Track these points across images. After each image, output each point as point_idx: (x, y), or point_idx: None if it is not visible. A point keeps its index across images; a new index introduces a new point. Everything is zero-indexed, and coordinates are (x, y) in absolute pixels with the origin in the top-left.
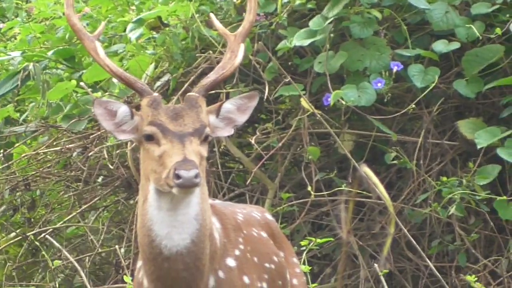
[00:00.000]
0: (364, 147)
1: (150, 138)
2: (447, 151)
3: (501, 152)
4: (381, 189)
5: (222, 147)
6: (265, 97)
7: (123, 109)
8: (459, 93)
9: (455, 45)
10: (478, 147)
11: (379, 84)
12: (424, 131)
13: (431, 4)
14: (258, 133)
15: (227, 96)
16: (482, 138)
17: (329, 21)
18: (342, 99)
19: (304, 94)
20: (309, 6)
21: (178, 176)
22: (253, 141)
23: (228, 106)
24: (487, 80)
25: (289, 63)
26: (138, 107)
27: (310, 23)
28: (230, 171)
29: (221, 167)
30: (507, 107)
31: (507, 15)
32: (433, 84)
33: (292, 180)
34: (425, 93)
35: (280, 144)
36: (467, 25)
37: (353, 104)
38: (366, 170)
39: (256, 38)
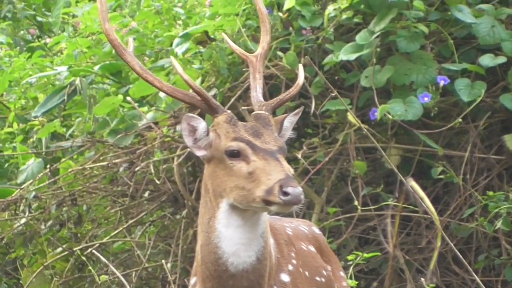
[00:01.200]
0: (410, 161)
1: (235, 154)
2: (494, 166)
3: None
4: (427, 203)
5: None
6: (311, 112)
7: (203, 125)
8: (506, 107)
9: (502, 59)
10: None
11: (425, 98)
12: (471, 145)
13: (478, 18)
14: (304, 148)
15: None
16: None
17: (375, 35)
18: (389, 113)
19: (350, 109)
20: (356, 20)
21: (285, 193)
22: (299, 156)
23: (286, 124)
24: None
25: (336, 77)
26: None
27: (357, 38)
28: None
29: None
30: None
31: None
32: (480, 98)
33: (339, 194)
34: (471, 107)
35: (326, 159)
36: None
37: (399, 118)
38: (412, 185)
39: (303, 52)
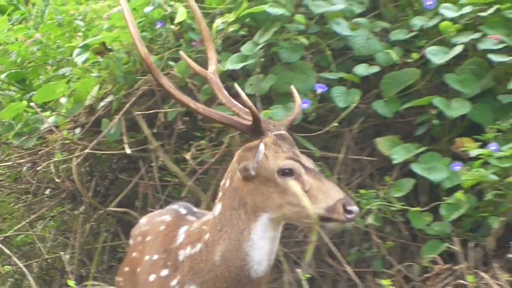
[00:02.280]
0: None
1: (287, 173)
2: (366, 166)
3: (415, 167)
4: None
5: (159, 162)
6: (200, 117)
7: (263, 147)
8: (378, 112)
9: (375, 69)
10: (394, 162)
11: (304, 105)
12: (345, 147)
13: (354, 31)
14: (193, 149)
15: (166, 116)
16: (398, 154)
17: (259, 46)
18: (271, 118)
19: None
20: (242, 32)
21: (350, 212)
22: (188, 157)
23: None
24: (404, 100)
25: (223, 85)
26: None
27: (242, 49)
28: (166, 184)
29: (158, 180)
30: (421, 126)
31: (423, 41)
32: (354, 105)
33: None
34: (346, 112)
35: (213, 160)
36: (386, 51)
37: None
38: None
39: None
